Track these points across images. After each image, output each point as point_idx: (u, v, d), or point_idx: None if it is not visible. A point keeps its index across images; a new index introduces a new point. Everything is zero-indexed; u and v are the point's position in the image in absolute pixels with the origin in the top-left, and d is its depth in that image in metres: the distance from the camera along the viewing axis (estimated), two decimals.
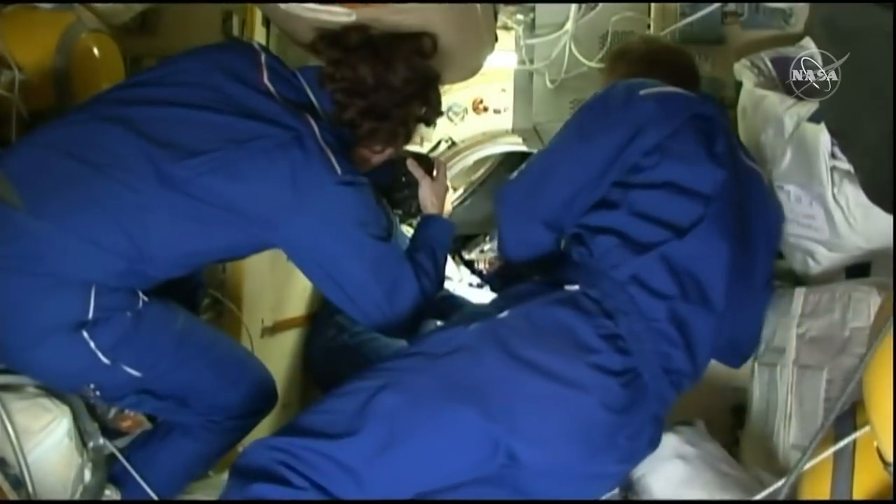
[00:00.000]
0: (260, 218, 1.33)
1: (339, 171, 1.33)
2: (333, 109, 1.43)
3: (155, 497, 1.48)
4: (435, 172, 1.69)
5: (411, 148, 1.74)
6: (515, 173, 1.47)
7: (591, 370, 1.21)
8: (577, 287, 1.28)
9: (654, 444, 1.35)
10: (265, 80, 1.38)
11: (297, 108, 1.38)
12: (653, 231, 1.28)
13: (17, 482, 1.23)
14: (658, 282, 1.27)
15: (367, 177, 1.43)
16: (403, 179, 1.70)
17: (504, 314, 1.27)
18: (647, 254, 1.27)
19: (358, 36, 1.41)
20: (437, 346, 1.28)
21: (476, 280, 3.55)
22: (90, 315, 1.27)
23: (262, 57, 1.42)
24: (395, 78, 1.43)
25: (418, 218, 1.72)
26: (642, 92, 1.36)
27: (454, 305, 2.45)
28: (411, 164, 1.66)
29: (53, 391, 1.37)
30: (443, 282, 1.59)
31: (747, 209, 1.39)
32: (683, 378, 1.32)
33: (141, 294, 1.35)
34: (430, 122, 1.59)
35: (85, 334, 1.27)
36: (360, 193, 1.38)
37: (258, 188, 1.31)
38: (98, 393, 1.36)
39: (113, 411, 1.47)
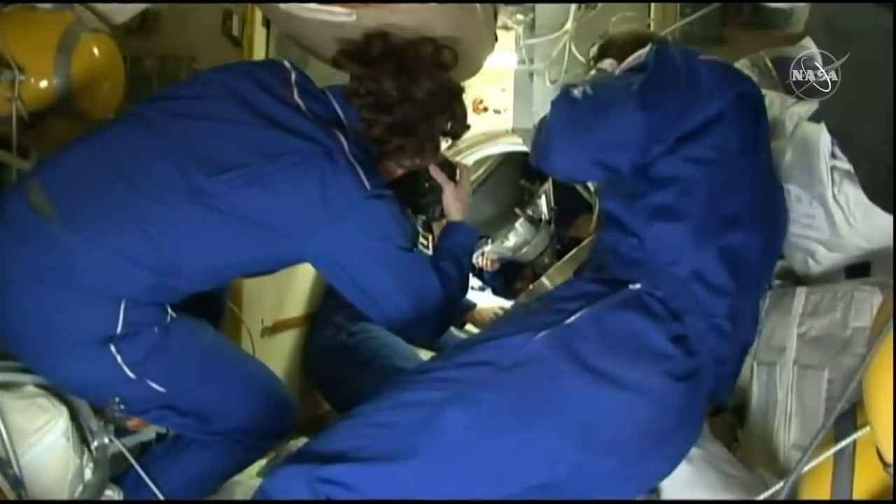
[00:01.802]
0: (289, 230, 1.34)
1: (367, 185, 1.35)
2: (361, 126, 1.44)
3: (161, 497, 1.48)
4: (458, 177, 1.68)
5: None
6: (577, 90, 1.33)
7: (664, 378, 1.20)
8: (639, 286, 1.26)
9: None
10: (295, 96, 1.41)
11: (326, 123, 1.39)
12: (709, 221, 1.27)
13: (17, 482, 1.23)
14: (718, 278, 1.26)
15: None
16: (427, 185, 1.69)
17: (572, 319, 1.23)
18: (706, 249, 1.26)
19: (379, 45, 1.42)
20: (503, 356, 1.22)
21: (478, 283, 3.56)
22: (118, 329, 1.29)
23: (293, 75, 1.45)
24: (419, 91, 1.44)
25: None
26: (702, 57, 1.34)
27: (460, 307, 2.47)
28: (434, 170, 1.66)
29: (53, 391, 1.37)
30: (467, 287, 1.60)
31: (775, 197, 1.40)
32: (728, 367, 1.33)
33: (169, 310, 1.37)
34: (457, 136, 1.61)
35: (112, 348, 1.29)
36: (387, 206, 1.40)
37: (289, 200, 1.32)
38: (122, 406, 1.38)
39: None
